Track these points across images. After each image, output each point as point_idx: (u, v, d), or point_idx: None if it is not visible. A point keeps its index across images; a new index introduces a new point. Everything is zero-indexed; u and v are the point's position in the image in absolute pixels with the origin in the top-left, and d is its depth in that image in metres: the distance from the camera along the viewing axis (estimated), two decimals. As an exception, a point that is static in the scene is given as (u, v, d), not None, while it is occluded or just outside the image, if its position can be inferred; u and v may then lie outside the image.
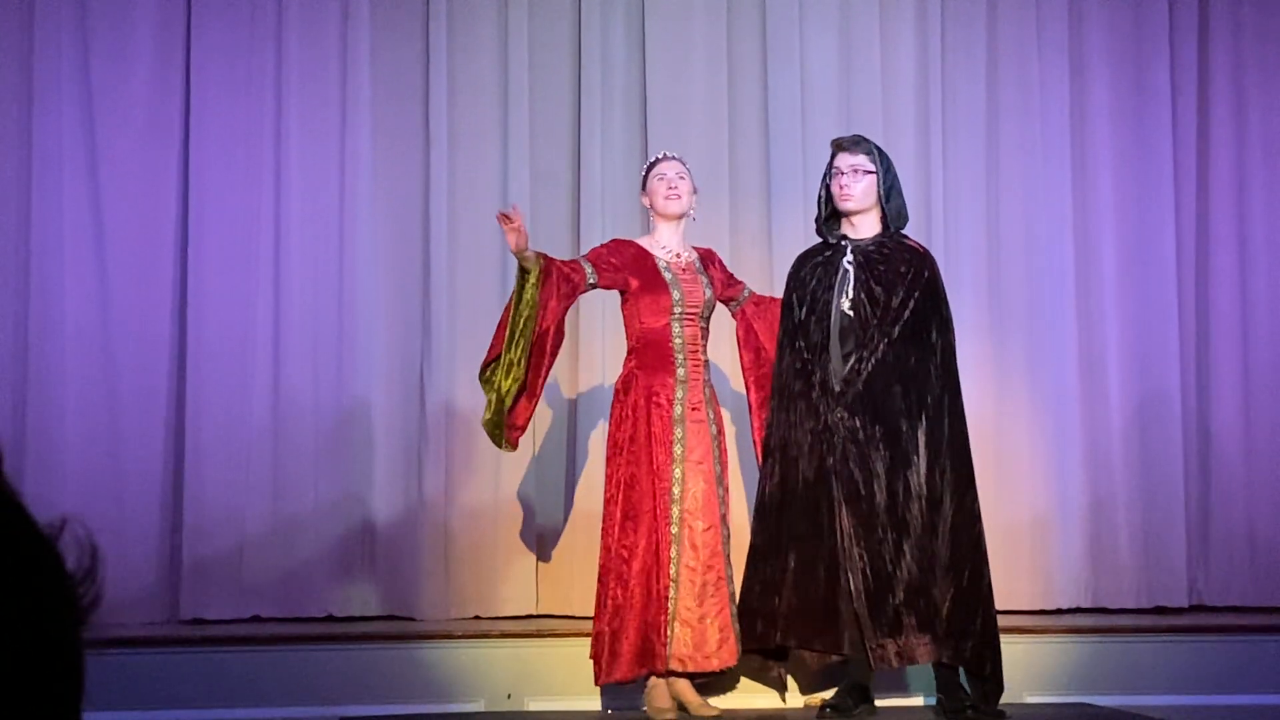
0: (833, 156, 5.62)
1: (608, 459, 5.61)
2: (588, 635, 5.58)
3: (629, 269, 5.63)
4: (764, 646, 5.54)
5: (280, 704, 5.83)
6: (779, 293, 5.83)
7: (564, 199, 6.97)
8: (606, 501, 5.58)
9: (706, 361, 5.67)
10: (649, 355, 5.59)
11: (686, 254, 5.72)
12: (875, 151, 5.55)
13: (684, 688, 5.54)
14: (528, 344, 5.47)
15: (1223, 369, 7.13)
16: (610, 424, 5.64)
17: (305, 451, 6.76)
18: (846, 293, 5.47)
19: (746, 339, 5.86)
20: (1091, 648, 6.14)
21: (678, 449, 5.51)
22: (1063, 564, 6.85)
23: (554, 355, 5.59)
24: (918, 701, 5.87)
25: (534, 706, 5.92)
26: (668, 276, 5.62)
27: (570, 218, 6.97)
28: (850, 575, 5.30)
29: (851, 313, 5.45)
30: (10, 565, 1.05)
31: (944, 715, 5.49)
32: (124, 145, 6.75)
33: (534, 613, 6.75)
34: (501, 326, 5.55)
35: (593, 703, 5.77)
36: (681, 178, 5.70)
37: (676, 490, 5.48)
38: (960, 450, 5.44)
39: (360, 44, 6.93)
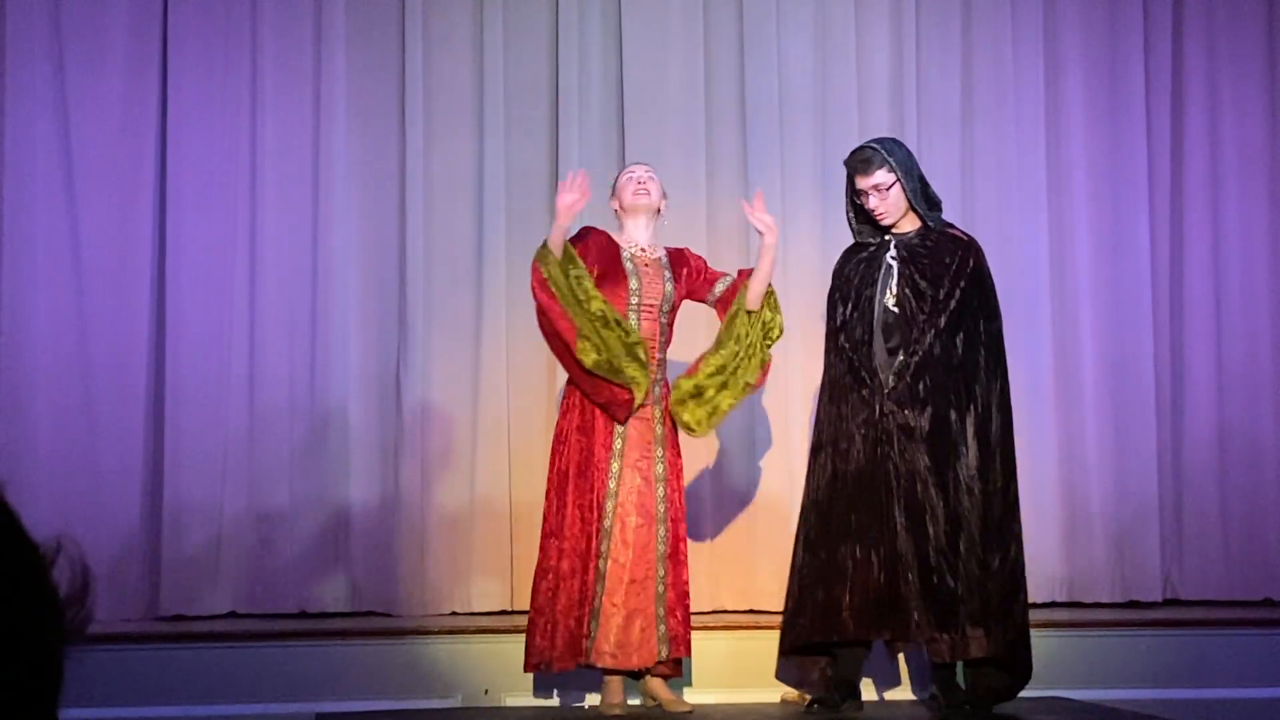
0: (849, 177, 5.61)
1: (552, 447, 5.58)
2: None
3: (593, 255, 5.56)
4: (825, 640, 5.49)
5: (259, 700, 5.84)
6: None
7: (541, 195, 6.97)
8: (547, 490, 5.56)
9: (663, 360, 5.61)
10: None
11: (655, 252, 5.68)
12: (888, 161, 5.49)
13: (657, 685, 5.55)
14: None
15: (1196, 365, 7.17)
16: (559, 413, 5.64)
17: (282, 449, 6.76)
18: (890, 289, 5.47)
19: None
20: (1066, 642, 6.16)
21: (617, 443, 5.48)
22: (1037, 558, 6.86)
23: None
24: (906, 695, 5.90)
25: (511, 702, 5.93)
26: (629, 266, 5.59)
27: (547, 213, 6.96)
28: (907, 567, 5.31)
29: (896, 309, 5.45)
30: None
31: (943, 711, 5.50)
32: (99, 144, 6.72)
33: (510, 608, 6.76)
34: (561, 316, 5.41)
35: (570, 698, 5.79)
36: (651, 178, 5.69)
37: (612, 484, 5.45)
38: (1007, 441, 5.44)
39: (335, 39, 6.92)
